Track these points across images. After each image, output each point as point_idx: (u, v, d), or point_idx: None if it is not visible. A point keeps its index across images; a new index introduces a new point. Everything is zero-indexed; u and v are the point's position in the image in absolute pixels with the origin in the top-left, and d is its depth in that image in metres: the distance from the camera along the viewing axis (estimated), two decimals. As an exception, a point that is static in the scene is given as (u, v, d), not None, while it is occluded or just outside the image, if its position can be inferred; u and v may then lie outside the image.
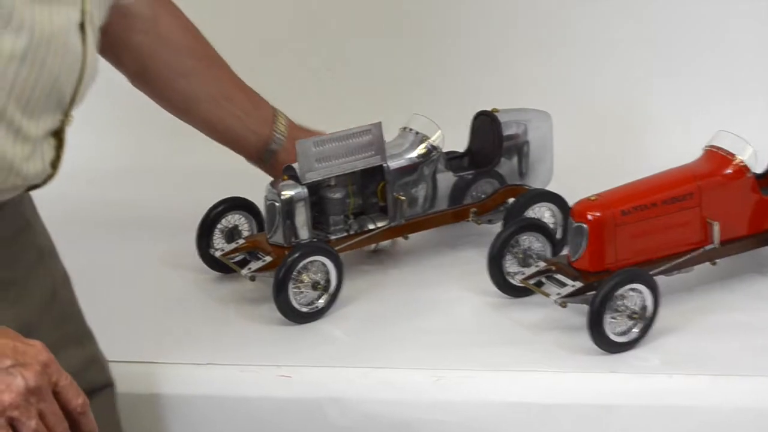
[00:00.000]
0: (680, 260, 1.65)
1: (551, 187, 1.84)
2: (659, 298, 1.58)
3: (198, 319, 1.69)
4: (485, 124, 1.79)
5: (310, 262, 1.60)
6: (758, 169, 1.72)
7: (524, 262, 1.70)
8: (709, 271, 1.71)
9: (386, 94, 2.24)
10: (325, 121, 1.83)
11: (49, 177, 1.29)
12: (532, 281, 1.65)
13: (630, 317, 1.56)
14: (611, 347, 1.56)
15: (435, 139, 1.72)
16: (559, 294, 1.60)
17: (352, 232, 1.69)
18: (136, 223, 1.98)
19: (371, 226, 1.70)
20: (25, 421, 1.11)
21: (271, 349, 1.60)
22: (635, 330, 1.57)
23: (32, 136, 1.23)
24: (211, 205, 1.77)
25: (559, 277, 1.64)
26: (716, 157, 1.70)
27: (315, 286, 1.60)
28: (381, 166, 1.68)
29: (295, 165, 1.65)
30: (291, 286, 1.58)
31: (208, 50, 1.76)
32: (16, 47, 1.17)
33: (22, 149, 1.22)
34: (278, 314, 1.62)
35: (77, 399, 1.16)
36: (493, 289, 1.70)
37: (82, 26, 1.25)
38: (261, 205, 1.72)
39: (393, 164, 1.69)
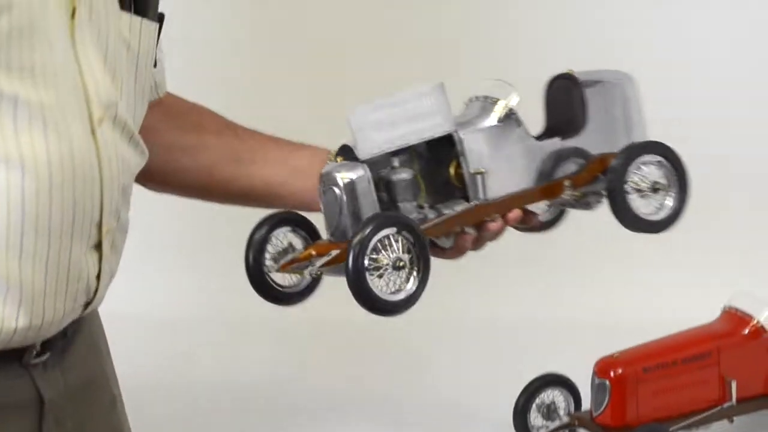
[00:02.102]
0: (699, 417, 1.70)
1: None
2: (679, 454, 1.64)
3: None
4: (562, 89, 1.48)
5: (385, 237, 1.29)
6: (775, 330, 1.79)
7: (548, 416, 1.75)
8: (728, 428, 1.76)
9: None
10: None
11: (95, 291, 1.28)
12: (556, 436, 1.71)
13: (651, 472, 1.61)
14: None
15: (511, 100, 1.41)
16: (581, 449, 1.66)
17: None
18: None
19: (449, 212, 1.38)
20: None
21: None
22: (656, 484, 1.62)
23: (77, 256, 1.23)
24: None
25: (582, 431, 1.70)
26: (734, 318, 1.77)
27: (397, 265, 1.29)
28: (451, 137, 1.37)
29: (350, 142, 1.37)
30: (368, 274, 1.27)
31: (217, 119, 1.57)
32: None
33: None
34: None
35: None
36: (519, 441, 1.76)
37: (93, 132, 1.22)
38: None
39: (465, 133, 1.37)
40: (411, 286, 1.28)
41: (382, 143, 1.33)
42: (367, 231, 1.26)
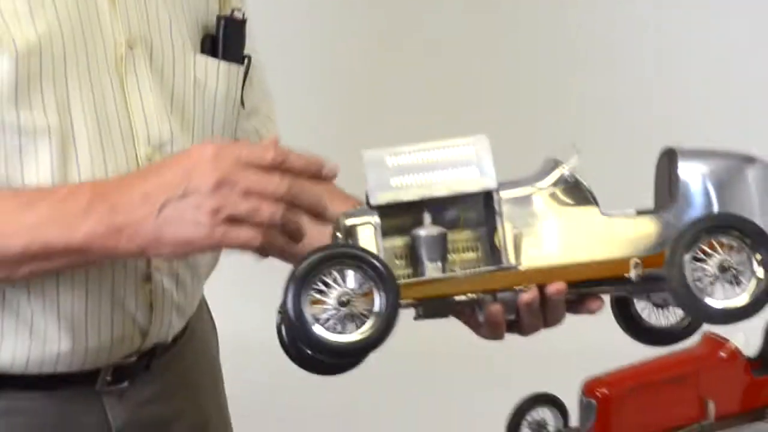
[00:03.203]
0: (679, 434, 1.81)
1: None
2: (661, 469, 1.74)
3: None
4: (664, 163, 1.29)
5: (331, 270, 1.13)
6: (749, 353, 1.87)
7: (538, 434, 1.86)
8: None
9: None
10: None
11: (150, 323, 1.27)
12: (545, 453, 1.81)
13: (634, 486, 1.71)
14: None
15: (571, 164, 1.24)
16: (569, 466, 1.75)
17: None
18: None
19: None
20: (234, 208, 1.06)
21: None
22: (639, 498, 1.72)
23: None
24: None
25: (571, 448, 1.80)
26: (712, 342, 1.87)
27: (342, 301, 1.12)
28: (491, 195, 1.20)
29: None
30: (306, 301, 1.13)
31: None
32: None
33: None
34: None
35: (267, 155, 1.10)
36: (511, 458, 1.84)
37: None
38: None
39: (506, 192, 1.20)
40: (365, 328, 1.14)
41: (398, 191, 1.17)
42: (312, 261, 1.11)
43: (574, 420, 1.85)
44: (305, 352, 1.18)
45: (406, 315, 2.20)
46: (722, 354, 1.85)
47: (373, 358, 2.02)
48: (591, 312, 1.23)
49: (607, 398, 1.78)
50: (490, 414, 1.93)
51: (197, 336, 1.41)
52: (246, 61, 1.34)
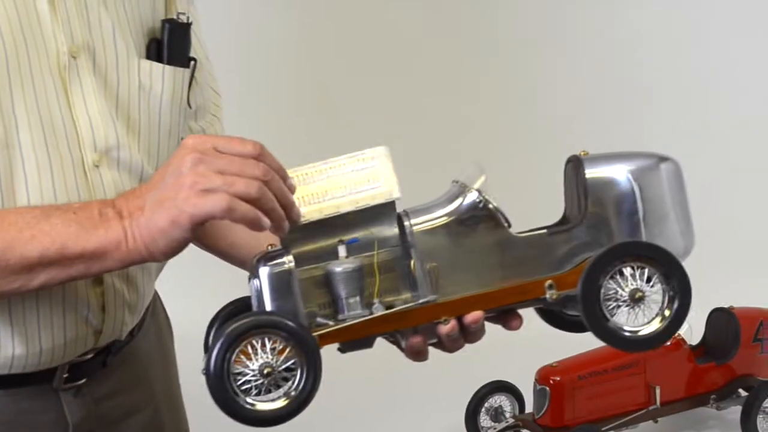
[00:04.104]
0: (627, 418, 1.90)
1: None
2: (609, 450, 1.84)
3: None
4: (571, 172, 1.19)
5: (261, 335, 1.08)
6: (693, 342, 1.98)
7: (496, 418, 1.94)
8: (652, 427, 1.95)
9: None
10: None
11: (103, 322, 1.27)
12: (502, 435, 1.90)
13: (585, 466, 1.80)
14: (569, 491, 1.82)
15: (478, 185, 1.15)
16: (525, 447, 1.85)
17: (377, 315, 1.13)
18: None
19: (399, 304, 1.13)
20: (210, 181, 1.07)
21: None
22: (589, 477, 1.82)
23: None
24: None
25: (526, 431, 1.90)
26: (658, 332, 1.96)
27: (263, 372, 1.06)
28: (402, 220, 1.13)
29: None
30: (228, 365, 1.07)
31: None
32: None
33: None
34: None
35: (243, 145, 1.09)
36: (471, 440, 1.94)
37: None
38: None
39: (417, 221, 1.13)
40: (285, 394, 1.07)
41: (304, 213, 1.11)
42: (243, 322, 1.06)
43: (529, 406, 1.94)
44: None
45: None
46: (668, 343, 1.92)
47: (332, 348, 2.10)
48: (513, 329, 1.16)
49: (559, 385, 1.87)
50: (449, 402, 2.02)
51: (152, 331, 1.39)
52: (192, 63, 1.31)
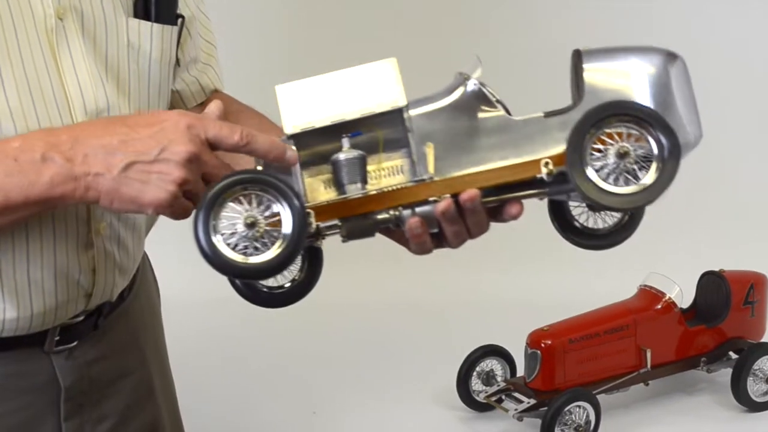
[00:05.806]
0: (618, 381, 1.92)
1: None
2: (600, 413, 1.84)
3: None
4: (573, 65, 1.24)
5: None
6: (684, 305, 1.98)
7: (487, 382, 1.95)
8: (643, 390, 1.97)
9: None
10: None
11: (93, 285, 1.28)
12: (494, 398, 1.91)
13: (576, 430, 1.82)
14: (560, 455, 1.82)
15: (476, 75, 1.21)
16: (516, 410, 1.86)
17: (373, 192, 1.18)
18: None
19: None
20: (196, 189, 1.10)
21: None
22: (580, 440, 1.82)
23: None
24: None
25: (517, 395, 1.90)
26: (649, 295, 1.97)
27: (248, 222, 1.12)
28: (401, 113, 1.18)
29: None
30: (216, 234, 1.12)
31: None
32: None
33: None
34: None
35: (233, 137, 1.12)
36: (462, 404, 1.96)
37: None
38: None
39: (416, 109, 1.18)
40: (274, 248, 1.11)
41: (311, 119, 1.17)
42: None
43: (520, 370, 1.95)
44: (253, 286, 1.18)
45: (354, 269, 2.28)
46: (658, 306, 1.95)
47: (323, 309, 2.07)
48: (513, 217, 1.17)
49: (550, 349, 1.87)
50: (441, 365, 2.04)
51: (142, 295, 1.40)
52: (180, 21, 1.33)
